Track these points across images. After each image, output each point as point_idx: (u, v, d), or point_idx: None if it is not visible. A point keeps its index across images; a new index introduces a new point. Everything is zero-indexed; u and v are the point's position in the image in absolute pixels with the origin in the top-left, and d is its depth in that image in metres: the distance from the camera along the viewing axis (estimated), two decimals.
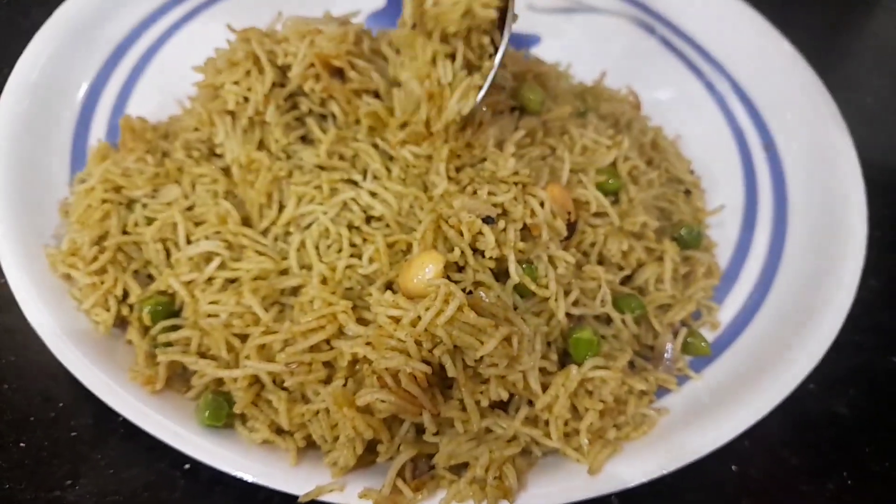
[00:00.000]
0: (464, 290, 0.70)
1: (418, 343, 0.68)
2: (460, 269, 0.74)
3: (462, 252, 0.73)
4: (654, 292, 0.83)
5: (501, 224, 0.74)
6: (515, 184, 0.76)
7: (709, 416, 0.74)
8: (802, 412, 0.80)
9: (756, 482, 0.77)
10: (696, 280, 0.86)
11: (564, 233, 0.77)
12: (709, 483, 0.76)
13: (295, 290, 0.77)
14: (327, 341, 0.72)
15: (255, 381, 0.72)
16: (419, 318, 0.68)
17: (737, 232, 0.94)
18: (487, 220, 0.73)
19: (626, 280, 0.84)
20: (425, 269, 0.71)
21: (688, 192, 0.94)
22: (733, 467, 0.77)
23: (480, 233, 0.73)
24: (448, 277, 0.72)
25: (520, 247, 0.74)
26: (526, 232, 0.76)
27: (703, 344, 0.81)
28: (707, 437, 0.72)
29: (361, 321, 0.73)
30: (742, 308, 0.87)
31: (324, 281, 0.76)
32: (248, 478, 0.67)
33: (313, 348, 0.71)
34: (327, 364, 0.72)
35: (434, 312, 0.67)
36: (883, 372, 0.87)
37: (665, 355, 0.79)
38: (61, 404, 0.76)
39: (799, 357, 0.77)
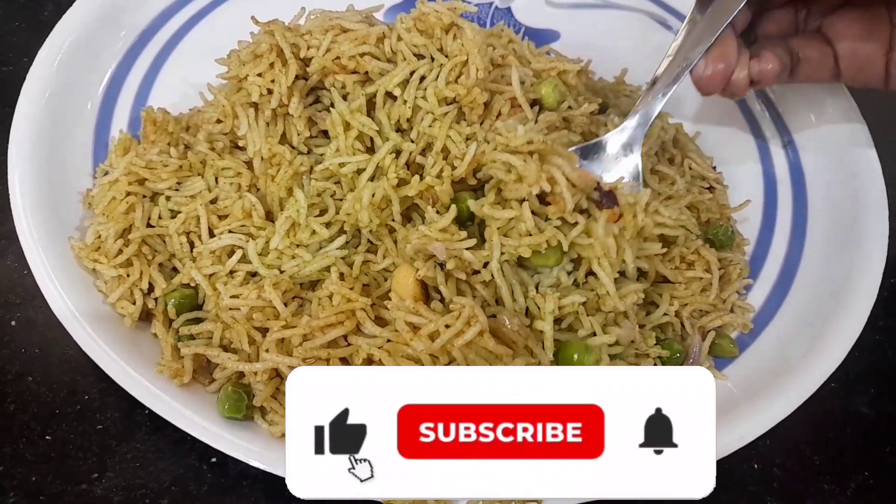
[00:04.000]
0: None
1: (433, 357, 0.68)
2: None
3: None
4: (691, 297, 0.83)
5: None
6: (531, 153, 0.73)
7: (733, 414, 0.74)
8: (824, 411, 0.81)
9: (779, 480, 0.77)
10: (730, 282, 0.86)
11: (570, 207, 0.71)
12: (732, 482, 0.77)
13: (313, 285, 0.77)
14: (345, 337, 0.72)
15: (276, 374, 0.72)
16: (438, 332, 0.68)
17: (756, 229, 0.94)
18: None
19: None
20: (408, 282, 0.72)
21: (711, 189, 0.94)
22: (756, 466, 0.78)
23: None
24: (427, 292, 0.73)
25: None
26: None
27: (731, 345, 0.81)
28: (733, 435, 0.72)
29: (379, 320, 0.73)
30: (763, 306, 0.86)
31: (341, 276, 0.76)
32: (274, 471, 0.67)
33: (331, 344, 0.71)
34: (344, 360, 0.72)
35: (453, 332, 0.67)
36: None
37: (691, 359, 0.79)
38: (87, 397, 0.76)
39: (822, 356, 0.76)
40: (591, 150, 0.85)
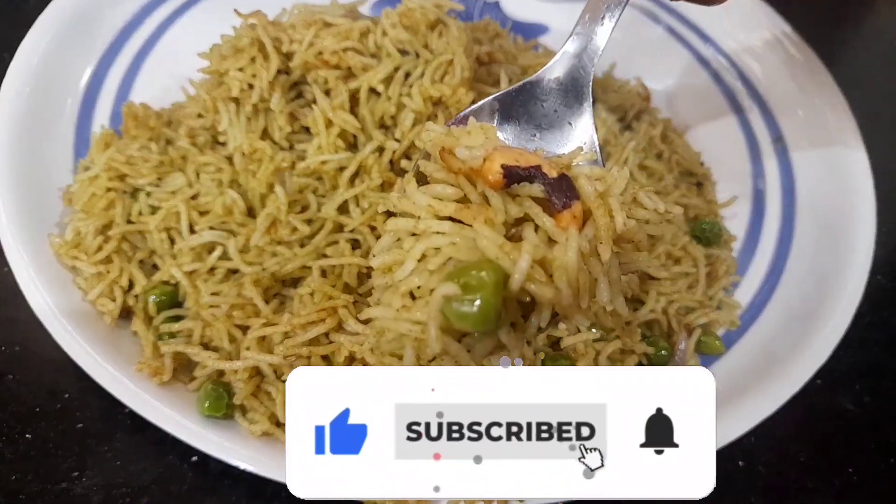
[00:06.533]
0: None
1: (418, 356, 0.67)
2: None
3: None
4: (676, 294, 0.82)
5: None
6: None
7: (718, 412, 0.73)
8: (809, 408, 0.80)
9: (763, 478, 0.77)
10: (718, 279, 0.85)
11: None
12: (716, 480, 0.76)
13: (295, 282, 0.77)
14: (326, 334, 0.72)
15: (256, 372, 0.72)
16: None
17: (745, 226, 0.94)
18: None
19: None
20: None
21: (699, 185, 0.93)
22: (740, 463, 0.77)
23: None
24: None
25: None
26: None
27: (717, 342, 0.81)
28: (718, 433, 0.71)
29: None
30: (751, 303, 0.86)
31: (323, 273, 0.75)
32: (255, 470, 0.67)
33: (312, 341, 0.71)
34: (325, 358, 0.71)
35: None
36: (889, 368, 0.87)
37: (677, 355, 0.79)
38: (67, 396, 0.75)
39: (808, 354, 0.76)
40: (513, 104, 0.55)
